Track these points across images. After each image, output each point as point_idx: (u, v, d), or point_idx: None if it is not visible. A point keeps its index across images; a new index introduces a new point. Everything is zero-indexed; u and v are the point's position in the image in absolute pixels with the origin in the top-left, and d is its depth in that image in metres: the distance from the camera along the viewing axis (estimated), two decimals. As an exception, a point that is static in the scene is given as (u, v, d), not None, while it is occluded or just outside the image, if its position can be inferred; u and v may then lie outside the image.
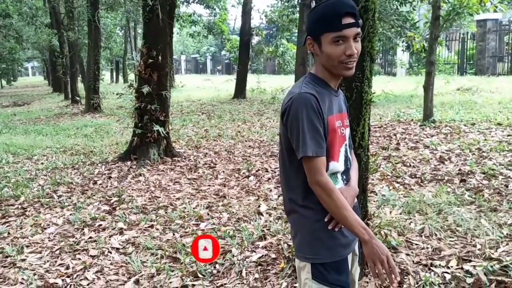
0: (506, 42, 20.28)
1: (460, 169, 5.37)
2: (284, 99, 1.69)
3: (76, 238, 4.09)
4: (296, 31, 15.69)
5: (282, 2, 17.53)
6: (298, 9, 15.76)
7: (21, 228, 4.41)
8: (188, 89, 21.90)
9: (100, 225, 4.37)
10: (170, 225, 4.27)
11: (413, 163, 5.80)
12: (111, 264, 3.55)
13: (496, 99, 10.82)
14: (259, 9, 35.46)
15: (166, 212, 4.61)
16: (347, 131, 1.77)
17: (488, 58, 20.12)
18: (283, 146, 1.71)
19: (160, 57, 6.43)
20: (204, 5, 20.78)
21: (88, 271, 3.44)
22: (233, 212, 4.53)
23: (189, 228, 4.16)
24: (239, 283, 3.05)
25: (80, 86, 19.05)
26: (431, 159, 5.93)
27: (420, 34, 11.23)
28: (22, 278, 3.37)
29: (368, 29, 2.58)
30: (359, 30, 1.59)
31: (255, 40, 19.79)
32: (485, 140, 6.59)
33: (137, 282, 3.21)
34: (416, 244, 3.42)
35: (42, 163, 7.14)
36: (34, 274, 3.41)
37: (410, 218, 3.95)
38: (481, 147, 6.26)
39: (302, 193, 1.68)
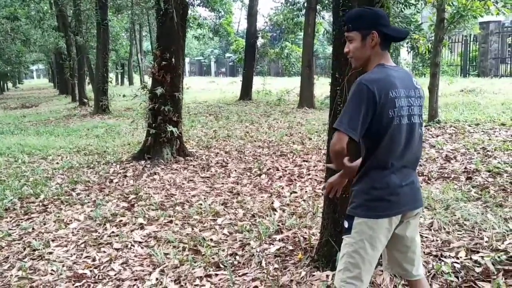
0: (509, 44, 20.45)
1: (466, 168, 5.53)
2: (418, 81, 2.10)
3: (99, 233, 4.28)
4: (302, 33, 15.88)
5: (288, 5, 17.72)
6: (303, 12, 15.95)
7: (44, 224, 4.59)
8: (193, 91, 22.04)
9: (121, 220, 4.56)
10: (188, 220, 4.45)
11: (420, 161, 5.97)
12: (135, 256, 3.73)
13: (499, 100, 10.98)
14: (263, 14, 35.66)
15: (183, 208, 4.80)
16: None
17: (491, 60, 20.28)
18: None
19: (173, 60, 6.62)
20: (209, 8, 20.97)
21: (114, 262, 3.62)
22: (248, 208, 4.71)
23: (207, 223, 4.34)
24: (260, 273, 3.23)
25: (87, 88, 19.28)
26: (437, 158, 6.10)
27: (424, 36, 11.40)
28: (52, 270, 3.55)
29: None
30: (347, 34, 2.05)
31: (259, 42, 19.99)
32: (489, 140, 6.76)
33: (162, 272, 3.39)
34: (426, 237, 3.59)
35: (57, 163, 7.34)
36: (63, 266, 3.60)
37: (419, 213, 4.11)
38: (485, 146, 6.42)
39: None
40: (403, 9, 12.39)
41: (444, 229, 3.76)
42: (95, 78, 15.69)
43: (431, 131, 7.87)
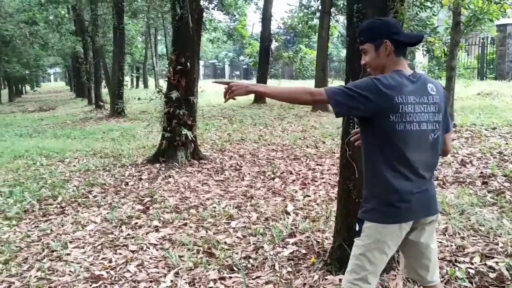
0: (527, 47, 20.15)
1: (481, 172, 5.49)
2: (439, 86, 2.08)
3: (115, 235, 4.34)
4: (316, 36, 15.88)
5: (302, 9, 17.75)
6: (317, 15, 15.97)
7: (62, 226, 4.68)
8: (207, 94, 22.13)
9: (136, 223, 4.62)
10: (203, 223, 4.50)
11: (435, 166, 5.93)
12: (150, 258, 3.79)
13: (517, 103, 10.85)
14: (276, 19, 35.78)
15: (197, 211, 4.85)
16: None
17: (508, 63, 20.00)
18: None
19: (188, 64, 6.70)
20: (224, 11, 21.11)
21: (130, 264, 3.68)
22: (261, 211, 4.74)
23: (221, 226, 4.38)
24: (273, 276, 3.26)
25: (103, 91, 19.55)
26: (453, 162, 6.06)
27: (440, 39, 11.33)
28: (70, 271, 3.62)
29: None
30: (361, 47, 2.11)
31: (274, 45, 20.05)
32: (506, 144, 6.69)
33: (177, 274, 3.44)
34: (440, 242, 3.58)
35: (74, 165, 7.46)
36: (80, 267, 3.67)
37: (434, 218, 4.10)
38: (502, 150, 6.36)
39: None
40: (418, 12, 12.31)
41: (459, 234, 3.74)
42: (111, 81, 15.91)
43: (446, 135, 7.81)
